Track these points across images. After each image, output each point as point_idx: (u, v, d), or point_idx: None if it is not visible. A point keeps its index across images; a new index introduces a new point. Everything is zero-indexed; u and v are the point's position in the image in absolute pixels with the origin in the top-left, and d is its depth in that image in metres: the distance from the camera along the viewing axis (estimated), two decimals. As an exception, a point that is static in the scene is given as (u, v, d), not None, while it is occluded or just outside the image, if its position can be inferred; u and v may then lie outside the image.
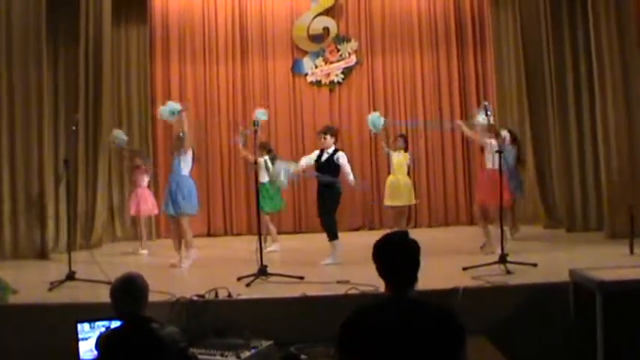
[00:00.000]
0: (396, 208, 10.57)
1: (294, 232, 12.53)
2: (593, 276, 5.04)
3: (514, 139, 9.76)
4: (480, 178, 8.78)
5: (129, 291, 3.94)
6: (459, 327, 3.09)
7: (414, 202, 10.86)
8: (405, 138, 10.84)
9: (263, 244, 7.81)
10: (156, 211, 10.59)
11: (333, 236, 8.02)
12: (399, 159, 10.47)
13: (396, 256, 3.20)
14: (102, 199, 11.12)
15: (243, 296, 5.81)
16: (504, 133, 9.15)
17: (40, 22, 9.66)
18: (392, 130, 11.34)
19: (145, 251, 10.05)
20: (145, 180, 10.40)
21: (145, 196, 10.31)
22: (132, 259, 9.51)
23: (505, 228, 7.32)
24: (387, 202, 10.56)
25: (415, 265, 3.20)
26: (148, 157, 11.52)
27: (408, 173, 10.59)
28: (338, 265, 7.68)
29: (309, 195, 12.71)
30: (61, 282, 6.66)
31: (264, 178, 9.34)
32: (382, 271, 3.22)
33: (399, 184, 10.39)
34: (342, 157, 8.15)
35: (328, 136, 8.20)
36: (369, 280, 5.47)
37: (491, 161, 8.23)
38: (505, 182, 8.02)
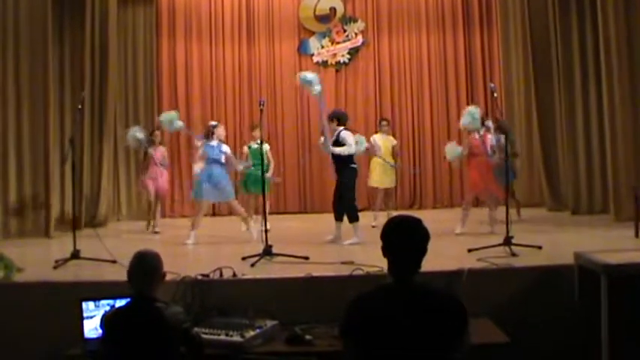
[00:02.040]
0: (384, 190, 10.37)
1: (299, 212, 12.55)
2: (598, 259, 5.02)
3: (498, 127, 9.48)
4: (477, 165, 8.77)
5: (140, 268, 3.94)
6: (462, 311, 3.08)
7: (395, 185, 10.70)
8: (387, 121, 10.76)
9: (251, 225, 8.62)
10: (167, 188, 10.71)
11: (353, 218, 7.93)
12: (385, 142, 10.33)
13: (404, 239, 3.18)
14: (107, 178, 11.14)
15: (248, 276, 5.81)
16: (488, 123, 8.99)
17: (46, 1, 9.61)
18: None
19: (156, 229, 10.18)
20: (160, 159, 10.41)
21: (160, 174, 10.35)
22: (137, 236, 9.54)
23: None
24: (376, 183, 10.28)
25: (422, 251, 3.19)
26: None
27: (394, 156, 10.45)
28: (343, 246, 7.66)
29: (314, 176, 12.73)
30: (66, 260, 6.67)
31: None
32: (387, 251, 3.21)
33: (386, 166, 10.20)
34: (343, 132, 8.13)
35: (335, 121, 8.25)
36: (374, 261, 5.47)
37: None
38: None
